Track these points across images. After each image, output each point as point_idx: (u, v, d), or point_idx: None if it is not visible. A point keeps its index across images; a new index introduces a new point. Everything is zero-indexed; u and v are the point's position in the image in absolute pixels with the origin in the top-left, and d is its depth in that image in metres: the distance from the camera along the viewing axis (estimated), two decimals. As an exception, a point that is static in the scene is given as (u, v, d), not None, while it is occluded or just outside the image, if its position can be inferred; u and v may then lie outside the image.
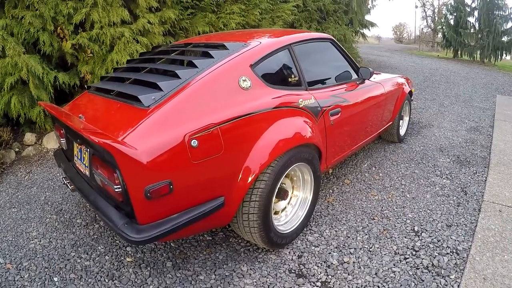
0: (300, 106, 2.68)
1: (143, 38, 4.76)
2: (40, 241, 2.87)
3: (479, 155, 4.56)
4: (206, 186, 2.12)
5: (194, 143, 1.96)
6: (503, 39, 16.48)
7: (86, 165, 2.39)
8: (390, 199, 3.37)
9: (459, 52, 18.42)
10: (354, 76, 3.57)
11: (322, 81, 3.22)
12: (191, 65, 2.40)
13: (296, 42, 2.96)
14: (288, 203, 2.82)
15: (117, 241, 2.84)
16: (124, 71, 2.99)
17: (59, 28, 4.49)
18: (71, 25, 4.51)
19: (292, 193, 2.83)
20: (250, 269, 2.48)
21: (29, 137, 4.51)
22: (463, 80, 10.38)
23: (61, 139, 2.79)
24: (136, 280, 2.42)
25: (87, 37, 4.49)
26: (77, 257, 2.67)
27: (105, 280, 2.42)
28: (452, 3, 18.13)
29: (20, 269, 2.54)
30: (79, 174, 2.62)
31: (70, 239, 2.88)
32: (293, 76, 2.94)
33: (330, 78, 3.31)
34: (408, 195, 3.46)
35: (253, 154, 2.26)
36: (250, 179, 2.23)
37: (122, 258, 2.64)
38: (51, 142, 4.53)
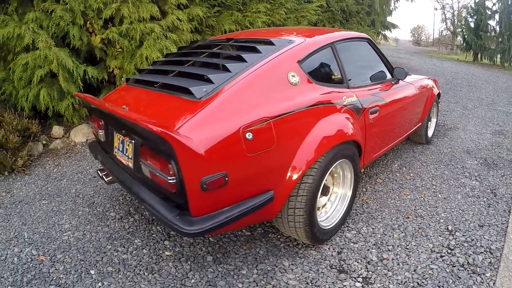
0: (344, 103, 2.67)
1: (172, 34, 4.71)
2: (74, 233, 2.82)
3: (506, 158, 4.49)
4: (257, 180, 2.10)
5: (249, 135, 1.95)
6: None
7: (130, 156, 2.33)
8: (422, 198, 3.36)
9: (479, 56, 18.04)
10: (389, 76, 3.54)
11: (361, 80, 3.18)
12: (239, 59, 2.37)
13: (338, 40, 2.95)
14: (328, 200, 2.78)
15: (154, 235, 2.78)
16: (164, 64, 2.94)
17: (88, 22, 4.45)
18: (100, 19, 4.48)
19: (332, 189, 2.79)
20: (292, 264, 2.44)
21: (57, 130, 4.47)
22: (484, 84, 10.25)
23: (100, 131, 2.73)
24: (176, 274, 2.36)
25: (117, 32, 4.45)
26: (114, 250, 2.61)
27: (144, 274, 2.36)
28: (473, 6, 17.81)
29: (54, 261, 2.49)
30: (119, 166, 2.56)
31: (104, 232, 2.82)
32: (336, 74, 2.90)
33: (367, 77, 3.28)
34: (439, 195, 3.44)
35: (302, 149, 2.24)
36: (298, 173, 2.21)
37: (160, 252, 2.58)
38: (79, 135, 4.48)
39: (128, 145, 2.35)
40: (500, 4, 16.18)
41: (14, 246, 2.67)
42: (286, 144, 2.17)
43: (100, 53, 4.61)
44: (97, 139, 2.97)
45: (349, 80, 2.91)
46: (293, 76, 2.36)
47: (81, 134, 4.50)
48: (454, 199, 3.36)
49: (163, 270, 2.39)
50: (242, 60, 2.35)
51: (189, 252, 2.58)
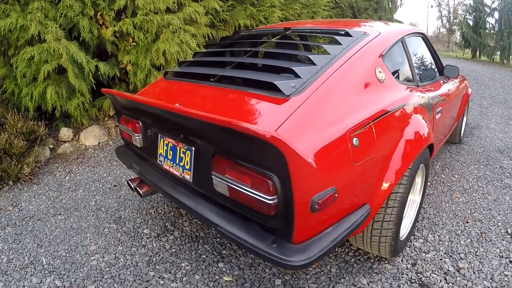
0: (420, 103, 2.33)
1: (190, 27, 4.12)
2: (103, 257, 2.25)
3: (537, 157, 4.20)
4: (358, 193, 1.71)
5: (356, 141, 1.61)
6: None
7: (187, 167, 1.80)
8: (474, 201, 3.08)
9: (477, 53, 17.65)
10: (438, 73, 3.24)
11: (423, 77, 2.81)
12: (321, 51, 2.01)
13: (406, 34, 2.57)
14: None
15: (204, 256, 2.24)
16: (209, 55, 2.41)
17: (99, 14, 3.83)
18: (112, 11, 3.86)
19: None
20: (371, 281, 2.08)
21: (65, 133, 3.83)
22: (490, 81, 9.88)
23: (136, 135, 2.16)
24: (245, 307, 1.83)
25: (131, 24, 3.84)
26: (159, 277, 2.08)
27: (205, 310, 1.82)
28: (472, 3, 17.53)
29: (85, 295, 1.93)
30: (166, 177, 2.01)
31: (142, 255, 2.26)
32: (407, 71, 2.54)
33: (426, 74, 2.93)
34: (489, 197, 3.17)
35: (396, 155, 1.90)
36: (392, 183, 1.85)
37: (217, 277, 2.07)
38: (90, 138, 3.86)
39: (185, 153, 1.80)
40: (500, 1, 15.95)
41: (31, 275, 2.11)
42: (384, 150, 1.83)
43: (112, 47, 3.99)
44: (128, 144, 2.40)
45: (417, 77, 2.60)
46: (380, 72, 2.01)
47: (92, 136, 3.88)
48: (504, 201, 3.10)
49: (228, 304, 1.85)
50: (324, 52, 1.93)
51: (252, 275, 2.08)
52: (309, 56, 1.86)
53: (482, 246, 2.46)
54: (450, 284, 2.12)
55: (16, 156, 3.22)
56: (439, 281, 2.13)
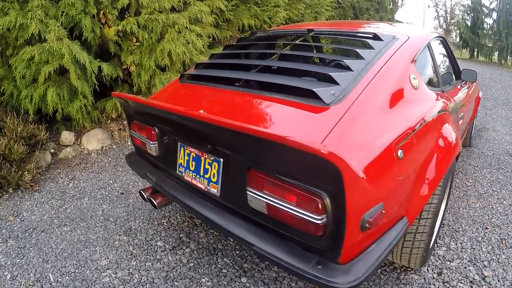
0: (449, 109, 2.23)
1: (196, 27, 3.94)
2: (116, 273, 2.08)
3: (546, 160, 4.15)
4: (398, 206, 1.58)
5: (401, 153, 1.49)
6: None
7: (214, 180, 1.63)
8: (490, 206, 3.01)
9: (475, 53, 17.43)
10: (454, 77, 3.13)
11: (445, 82, 2.71)
12: (355, 55, 1.86)
13: (432, 38, 2.44)
14: None
15: (224, 270, 2.09)
16: (226, 57, 2.25)
17: (101, 12, 3.63)
18: (115, 9, 3.66)
19: None
20: None
21: (67, 136, 3.62)
22: (491, 82, 9.76)
23: (151, 143, 1.99)
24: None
25: (135, 23, 3.64)
26: (179, 297, 1.90)
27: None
28: (470, 4, 17.42)
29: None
30: (187, 189, 1.85)
31: (158, 270, 2.10)
32: (433, 76, 2.42)
33: (447, 78, 2.83)
34: (504, 202, 3.09)
35: (432, 165, 1.79)
36: (428, 194, 1.75)
37: (242, 296, 1.90)
38: (93, 142, 3.66)
39: (211, 164, 1.64)
40: (498, 2, 15.87)
41: (39, 295, 1.92)
42: (421, 160, 1.72)
43: (114, 47, 3.79)
44: (141, 152, 2.22)
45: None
46: (414, 78, 1.89)
47: (95, 140, 3.68)
48: None
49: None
50: (358, 56, 1.80)
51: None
52: (345, 60, 1.71)
53: (504, 252, 2.40)
54: (477, 292, 2.02)
55: (16, 162, 3.02)
56: (465, 290, 2.04)
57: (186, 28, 3.87)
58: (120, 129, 3.96)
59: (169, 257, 2.20)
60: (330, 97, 1.51)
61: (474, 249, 2.44)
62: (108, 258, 2.20)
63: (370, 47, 1.88)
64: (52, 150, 3.54)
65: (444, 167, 1.88)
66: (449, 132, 2.08)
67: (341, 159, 1.10)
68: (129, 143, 3.90)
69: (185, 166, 1.82)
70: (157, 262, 2.15)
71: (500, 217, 2.86)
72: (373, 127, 1.48)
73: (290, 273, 1.39)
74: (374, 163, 1.35)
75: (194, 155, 1.74)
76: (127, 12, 3.77)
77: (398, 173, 1.48)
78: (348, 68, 1.67)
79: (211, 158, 1.64)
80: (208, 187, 1.68)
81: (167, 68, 4.02)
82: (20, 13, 3.25)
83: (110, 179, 3.19)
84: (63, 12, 3.40)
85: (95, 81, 3.54)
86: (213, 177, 1.64)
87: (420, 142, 1.69)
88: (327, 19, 6.22)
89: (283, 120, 1.54)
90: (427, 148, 1.80)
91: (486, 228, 2.68)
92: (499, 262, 2.30)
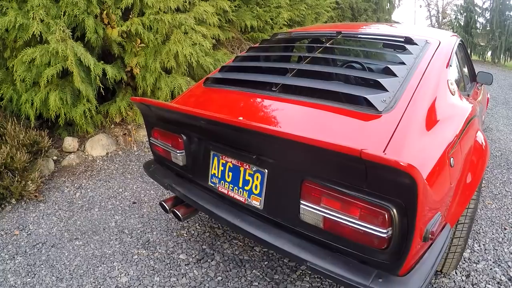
0: (477, 114, 2.20)
1: (202, 28, 3.78)
2: (139, 290, 1.91)
3: (553, 159, 4.15)
4: (445, 213, 1.52)
5: (452, 161, 1.47)
6: (513, 39, 15.75)
7: (256, 192, 1.50)
8: (506, 207, 2.99)
9: (468, 52, 17.72)
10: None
11: (468, 86, 2.66)
12: (395, 60, 1.80)
13: (458, 41, 2.38)
14: None
15: (255, 283, 1.97)
16: (252, 59, 2.12)
17: (104, 12, 3.44)
18: (118, 9, 3.47)
19: None
20: None
21: (70, 143, 3.42)
22: None
23: (178, 152, 1.84)
24: None
25: (140, 24, 3.46)
26: (211, 316, 1.75)
27: None
28: (463, 4, 17.55)
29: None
30: (223, 202, 1.71)
31: (184, 285, 1.95)
32: (461, 80, 2.38)
33: (467, 82, 2.79)
34: None
35: (471, 170, 1.76)
36: (468, 199, 1.75)
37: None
38: (97, 148, 3.46)
39: (252, 175, 1.50)
40: (491, 1, 16.02)
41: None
42: (464, 166, 1.67)
43: (118, 49, 3.60)
44: (163, 160, 2.06)
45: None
46: (451, 83, 1.85)
47: (100, 146, 3.48)
48: None
49: None
50: (399, 61, 1.73)
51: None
52: (389, 66, 1.63)
53: None
54: (505, 294, 1.99)
55: (18, 171, 2.81)
56: (495, 292, 2.00)
57: (192, 29, 3.70)
58: (125, 134, 3.77)
59: (195, 271, 2.05)
60: (382, 104, 1.44)
61: (497, 250, 2.42)
62: (128, 275, 2.04)
63: (408, 52, 1.81)
64: (55, 157, 3.33)
65: (480, 171, 1.86)
66: (480, 136, 2.05)
67: (418, 171, 1.02)
68: (135, 149, 3.71)
69: (219, 177, 1.67)
70: (182, 277, 2.00)
71: (517, 217, 2.82)
72: (426, 136, 1.41)
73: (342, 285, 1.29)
74: (433, 172, 1.31)
75: (231, 165, 1.59)
76: (130, 13, 3.58)
77: (450, 181, 1.45)
78: (393, 74, 1.59)
79: (253, 169, 1.50)
80: (248, 200, 1.54)
81: (172, 71, 3.84)
82: (19, 12, 3.03)
83: (119, 188, 3.01)
84: (65, 12, 3.20)
85: (99, 84, 3.34)
86: (255, 189, 1.50)
87: (463, 149, 1.66)
88: (326, 21, 6.14)
89: (332, 129, 1.43)
90: (468, 153, 1.76)
91: (505, 229, 2.66)
92: (521, 263, 2.26)
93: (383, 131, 1.34)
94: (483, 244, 2.47)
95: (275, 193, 1.45)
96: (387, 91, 1.49)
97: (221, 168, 1.65)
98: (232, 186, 1.61)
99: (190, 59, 3.63)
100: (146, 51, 3.64)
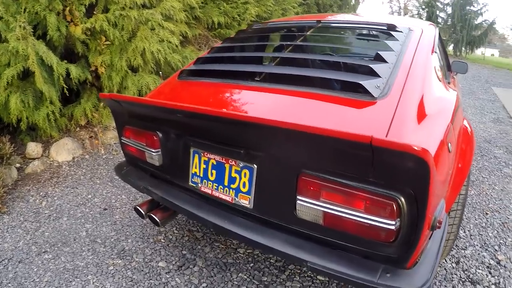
0: (460, 101, 2.18)
1: (169, 24, 3.59)
2: (118, 304, 1.74)
3: (523, 146, 4.33)
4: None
5: (450, 146, 1.43)
6: (473, 33, 16.26)
7: (243, 190, 1.37)
8: (484, 192, 3.08)
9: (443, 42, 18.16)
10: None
11: (447, 74, 2.61)
12: (383, 46, 1.74)
13: (437, 30, 2.34)
14: None
15: (243, 287, 1.81)
16: (228, 50, 1.99)
17: (67, 9, 3.19)
18: (82, 6, 3.24)
19: None
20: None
21: (33, 148, 3.15)
22: None
23: (153, 151, 1.68)
24: None
25: (106, 20, 3.24)
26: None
27: None
28: None
29: None
30: (206, 203, 1.56)
31: (166, 297, 1.77)
32: (443, 68, 2.31)
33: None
34: (496, 188, 3.18)
35: (462, 155, 1.75)
36: (460, 185, 1.71)
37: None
38: (63, 153, 3.21)
39: (239, 172, 1.37)
40: None
41: None
42: (456, 152, 1.64)
43: (82, 47, 3.35)
44: (136, 161, 1.89)
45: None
46: (438, 70, 1.82)
47: (65, 151, 3.23)
48: (510, 190, 3.13)
49: None
50: (387, 47, 1.67)
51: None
52: (379, 52, 1.57)
53: (509, 236, 2.44)
54: (496, 277, 2.05)
55: (-23, 182, 2.55)
56: (485, 275, 2.05)
57: (159, 25, 3.51)
58: (91, 137, 3.53)
59: (177, 279, 1.89)
60: (376, 90, 1.36)
61: (482, 235, 2.44)
62: (104, 288, 1.85)
63: (394, 39, 1.76)
64: (18, 165, 3.06)
65: (469, 156, 1.85)
66: (466, 122, 2.04)
67: (431, 156, 0.95)
68: (102, 152, 3.48)
69: (201, 176, 1.52)
70: (164, 287, 1.83)
71: (496, 202, 2.90)
72: (424, 121, 1.34)
73: (356, 286, 1.24)
74: (437, 157, 1.23)
75: (215, 162, 1.45)
76: (95, 9, 3.35)
77: (449, 167, 1.41)
78: (383, 60, 1.53)
79: (240, 165, 1.36)
80: (236, 199, 1.40)
81: (139, 69, 3.63)
82: (-28, 9, 2.76)
83: (88, 194, 2.78)
84: (25, 9, 2.94)
85: (63, 85, 3.09)
86: (243, 187, 1.37)
87: (455, 134, 1.63)
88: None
89: (326, 117, 1.33)
90: (458, 139, 1.73)
91: (487, 214, 2.70)
92: (507, 245, 2.32)
93: (381, 117, 1.26)
94: (468, 230, 2.48)
95: (266, 190, 1.32)
96: (380, 77, 1.41)
97: (203, 166, 1.50)
98: (216, 185, 1.47)
99: (158, 56, 3.44)
100: (111, 49, 3.42)
